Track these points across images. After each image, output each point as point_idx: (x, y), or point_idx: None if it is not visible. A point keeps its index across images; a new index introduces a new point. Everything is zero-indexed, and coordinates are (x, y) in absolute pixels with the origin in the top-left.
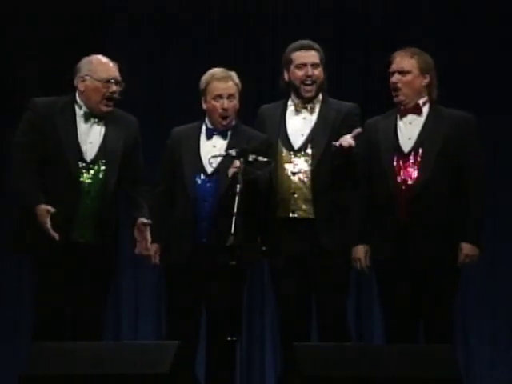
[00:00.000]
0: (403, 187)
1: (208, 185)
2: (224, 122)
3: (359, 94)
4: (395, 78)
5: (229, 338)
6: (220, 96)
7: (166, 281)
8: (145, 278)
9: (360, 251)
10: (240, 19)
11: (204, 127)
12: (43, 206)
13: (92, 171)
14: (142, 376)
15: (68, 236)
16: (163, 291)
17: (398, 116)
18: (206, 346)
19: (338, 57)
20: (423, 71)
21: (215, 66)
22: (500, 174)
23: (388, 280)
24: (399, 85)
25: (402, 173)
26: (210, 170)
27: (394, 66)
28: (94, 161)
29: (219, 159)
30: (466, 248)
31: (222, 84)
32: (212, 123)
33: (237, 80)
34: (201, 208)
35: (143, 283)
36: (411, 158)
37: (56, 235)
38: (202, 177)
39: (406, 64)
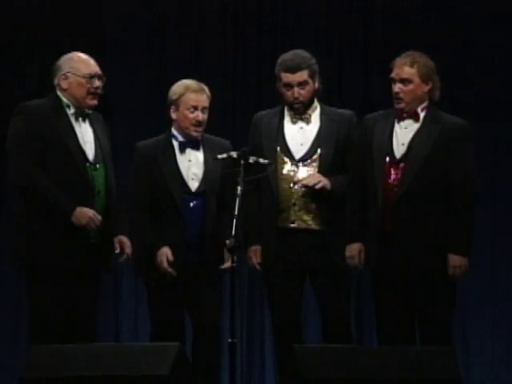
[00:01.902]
0: (390, 193)
1: (193, 203)
2: (198, 129)
3: (359, 94)
4: (397, 87)
5: (229, 340)
6: (195, 107)
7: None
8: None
9: (353, 249)
10: (240, 19)
11: (175, 142)
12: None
13: (97, 170)
14: (142, 378)
15: (87, 239)
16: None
17: (396, 119)
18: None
19: (338, 57)
20: (424, 78)
21: (215, 66)
22: (500, 174)
23: (379, 283)
24: (401, 94)
25: (391, 178)
26: (193, 188)
27: (394, 74)
28: (96, 159)
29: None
30: (454, 260)
31: (197, 96)
32: (183, 134)
33: (209, 93)
34: (189, 229)
35: (143, 284)
36: (401, 163)
37: None
38: (186, 195)
39: (406, 73)
